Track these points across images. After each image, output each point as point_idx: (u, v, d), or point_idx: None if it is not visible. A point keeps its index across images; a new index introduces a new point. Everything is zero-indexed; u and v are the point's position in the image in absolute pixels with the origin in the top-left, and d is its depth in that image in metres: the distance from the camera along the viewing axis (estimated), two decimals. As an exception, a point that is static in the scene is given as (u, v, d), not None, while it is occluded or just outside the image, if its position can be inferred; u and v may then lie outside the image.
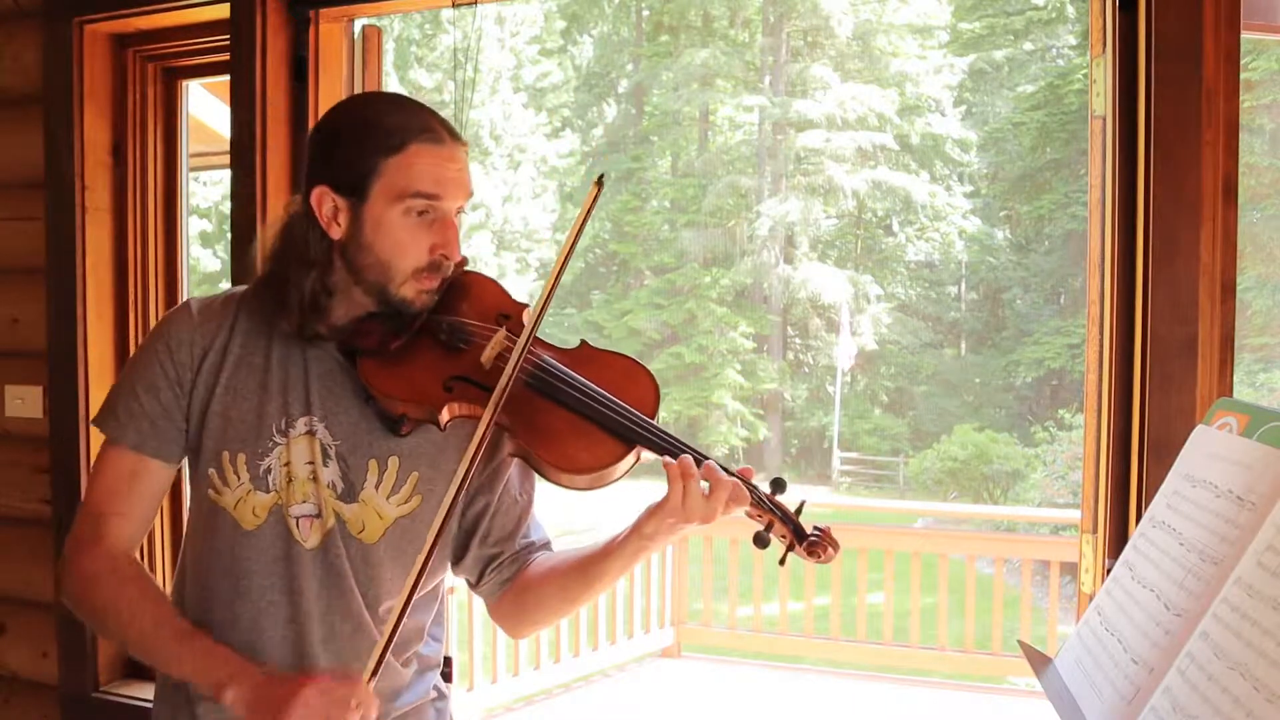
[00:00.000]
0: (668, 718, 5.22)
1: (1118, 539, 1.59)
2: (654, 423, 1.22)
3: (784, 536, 1.21)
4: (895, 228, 25.17)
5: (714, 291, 23.38)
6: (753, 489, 1.20)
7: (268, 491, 1.25)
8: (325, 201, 1.23)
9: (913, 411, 23.98)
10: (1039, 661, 1.12)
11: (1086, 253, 1.69)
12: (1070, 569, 5.97)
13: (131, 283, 2.26)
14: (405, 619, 1.31)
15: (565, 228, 25.15)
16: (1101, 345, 1.63)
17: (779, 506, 1.21)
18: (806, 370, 24.87)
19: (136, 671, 2.26)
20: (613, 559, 1.23)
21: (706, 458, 1.18)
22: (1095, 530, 1.65)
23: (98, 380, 2.20)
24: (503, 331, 1.26)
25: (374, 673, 1.13)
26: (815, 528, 1.21)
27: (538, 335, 1.28)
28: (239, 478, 1.25)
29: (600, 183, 1.25)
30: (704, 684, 5.61)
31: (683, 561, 5.88)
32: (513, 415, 1.22)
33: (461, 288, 1.30)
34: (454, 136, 1.25)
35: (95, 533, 1.26)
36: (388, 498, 1.26)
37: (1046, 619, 5.98)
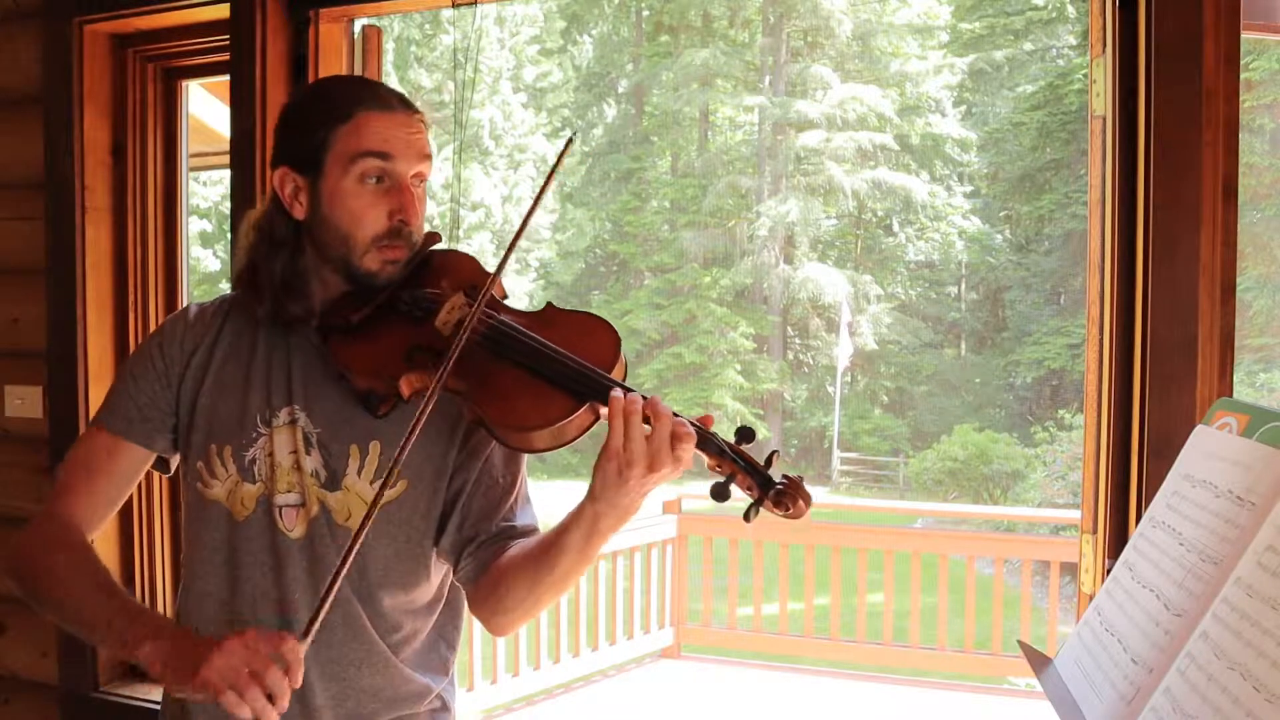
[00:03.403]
0: (668, 718, 5.22)
1: (1118, 539, 1.58)
2: (608, 376, 1.15)
3: (750, 489, 1.10)
4: (895, 228, 25.18)
5: (714, 291, 23.38)
6: (708, 434, 1.11)
7: (254, 482, 1.26)
8: (286, 182, 1.26)
9: (913, 411, 23.98)
10: (1039, 661, 1.11)
11: (1086, 253, 1.69)
12: (1070, 569, 5.97)
13: (131, 283, 2.25)
14: (410, 619, 1.30)
15: (565, 227, 25.17)
16: (1101, 345, 1.63)
17: (741, 455, 1.11)
18: (806, 370, 24.87)
19: (136, 671, 2.26)
20: (570, 531, 1.14)
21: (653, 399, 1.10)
22: (1095, 530, 1.64)
23: (97, 380, 2.20)
24: (460, 294, 1.23)
25: (307, 632, 1.06)
26: (785, 476, 1.10)
27: (506, 303, 1.26)
28: (226, 470, 1.27)
29: (571, 141, 1.26)
30: (704, 684, 5.61)
31: (683, 561, 5.88)
32: (466, 379, 1.17)
33: (436, 265, 1.29)
34: (406, 105, 1.26)
35: (52, 504, 1.28)
36: (370, 483, 1.25)
37: (1046, 619, 5.99)
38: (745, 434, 1.13)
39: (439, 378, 1.13)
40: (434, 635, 1.36)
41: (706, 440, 1.11)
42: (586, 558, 1.16)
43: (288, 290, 1.26)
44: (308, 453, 1.25)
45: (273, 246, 1.27)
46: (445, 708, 1.38)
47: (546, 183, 1.26)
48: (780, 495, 1.09)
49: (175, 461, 1.36)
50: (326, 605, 1.07)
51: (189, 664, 1.06)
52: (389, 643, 1.29)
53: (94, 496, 1.29)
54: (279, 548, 1.25)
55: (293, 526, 1.25)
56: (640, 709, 5.24)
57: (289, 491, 1.25)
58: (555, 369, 1.16)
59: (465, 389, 1.18)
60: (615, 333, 1.21)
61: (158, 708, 2.14)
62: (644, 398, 1.10)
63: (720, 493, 1.10)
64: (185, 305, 1.37)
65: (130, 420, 1.30)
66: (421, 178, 1.26)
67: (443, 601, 1.36)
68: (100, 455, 1.30)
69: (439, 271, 1.28)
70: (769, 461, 1.12)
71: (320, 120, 1.23)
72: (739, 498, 1.13)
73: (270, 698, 1.03)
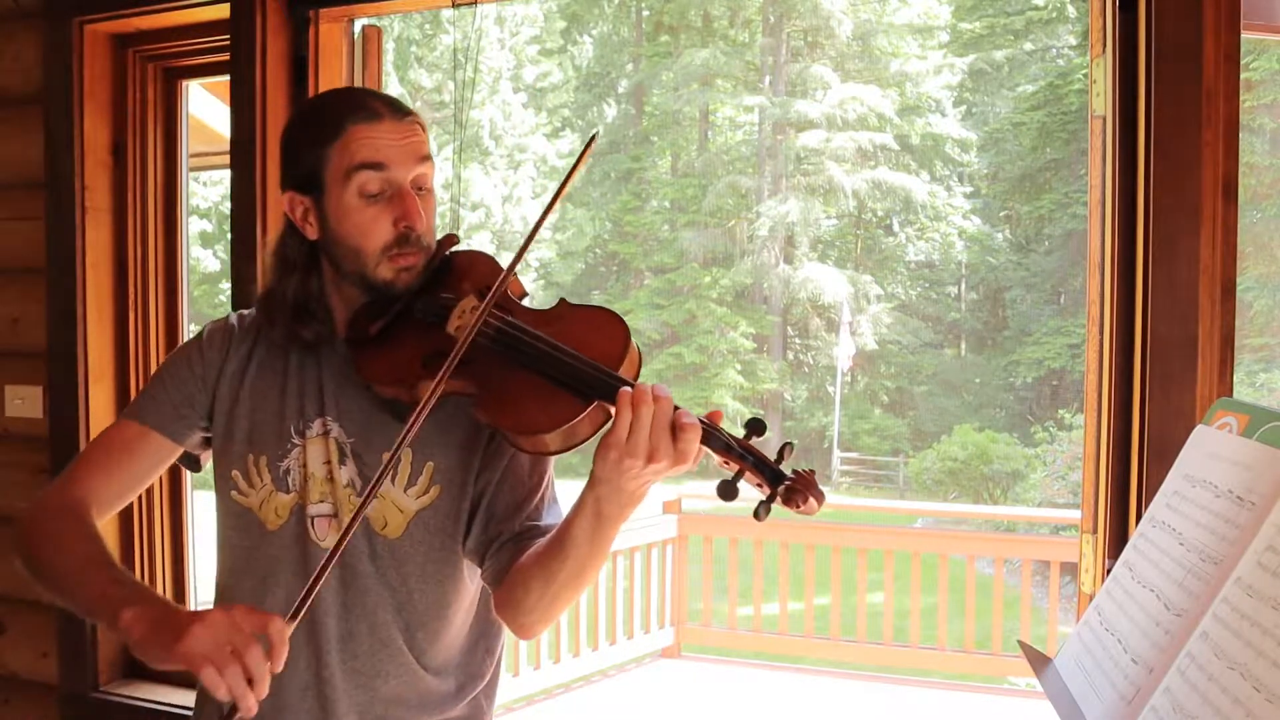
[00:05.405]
0: (668, 718, 5.22)
1: (1118, 539, 1.59)
2: (614, 373, 1.12)
3: (759, 486, 1.07)
4: (895, 228, 25.18)
5: (714, 291, 23.39)
6: (714, 430, 1.08)
7: (288, 492, 1.28)
8: (296, 206, 1.26)
9: (913, 411, 23.98)
10: (1039, 661, 1.11)
11: (1086, 253, 1.69)
12: (1070, 569, 5.97)
13: (131, 283, 2.25)
14: (446, 626, 1.29)
15: (565, 227, 25.15)
16: (1101, 345, 1.63)
17: (750, 450, 1.07)
18: (806, 370, 24.87)
19: (136, 671, 2.26)
20: (577, 520, 1.13)
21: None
22: (1095, 530, 1.65)
23: (98, 380, 2.20)
24: (472, 297, 1.22)
25: (296, 615, 1.04)
26: (795, 471, 1.06)
27: (524, 303, 1.25)
28: (262, 479, 1.28)
29: (594, 139, 1.23)
30: (704, 684, 5.61)
31: (683, 561, 5.88)
32: (476, 382, 1.15)
33: (456, 267, 1.28)
34: (396, 110, 1.24)
35: (68, 478, 1.29)
36: (405, 490, 1.26)
37: (1046, 619, 5.99)
38: (755, 426, 1.09)
39: (437, 381, 1.11)
40: (472, 638, 1.36)
41: (712, 436, 1.08)
42: (598, 548, 1.14)
43: (300, 313, 1.27)
44: (342, 464, 1.26)
45: (285, 270, 1.29)
46: (476, 717, 1.36)
47: (566, 180, 1.22)
48: (791, 492, 1.05)
49: (206, 462, 1.37)
50: (320, 579, 1.06)
51: (169, 633, 1.03)
52: (419, 650, 1.29)
53: (108, 480, 1.29)
54: (310, 557, 1.26)
55: (324, 536, 1.26)
56: (640, 709, 5.25)
57: (321, 501, 1.26)
58: (560, 369, 1.13)
59: (475, 392, 1.16)
60: (624, 326, 1.17)
61: (157, 708, 2.14)
62: (652, 391, 1.07)
63: (727, 491, 1.07)
64: (228, 315, 1.39)
65: (162, 415, 1.31)
66: (423, 180, 1.25)
67: (477, 605, 1.36)
68: (124, 442, 1.31)
69: (459, 274, 1.27)
70: (780, 455, 1.08)
71: (313, 140, 1.24)
72: (748, 496, 1.09)
73: (250, 681, 1.00)
